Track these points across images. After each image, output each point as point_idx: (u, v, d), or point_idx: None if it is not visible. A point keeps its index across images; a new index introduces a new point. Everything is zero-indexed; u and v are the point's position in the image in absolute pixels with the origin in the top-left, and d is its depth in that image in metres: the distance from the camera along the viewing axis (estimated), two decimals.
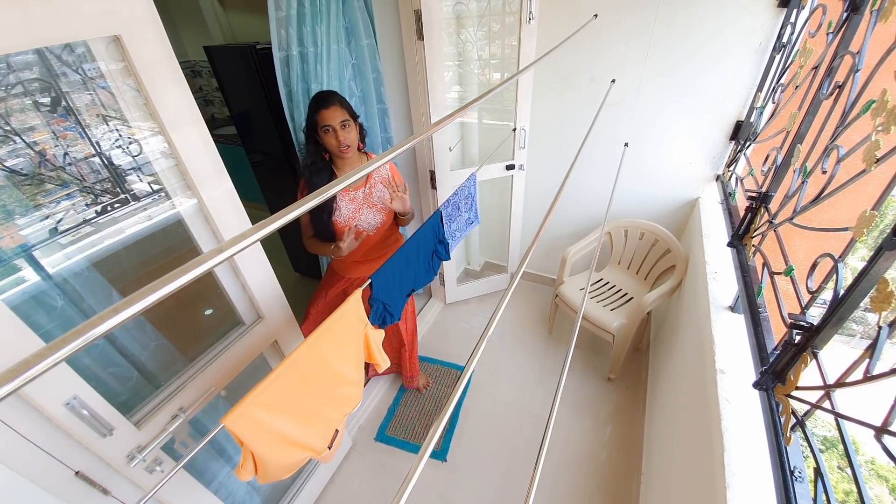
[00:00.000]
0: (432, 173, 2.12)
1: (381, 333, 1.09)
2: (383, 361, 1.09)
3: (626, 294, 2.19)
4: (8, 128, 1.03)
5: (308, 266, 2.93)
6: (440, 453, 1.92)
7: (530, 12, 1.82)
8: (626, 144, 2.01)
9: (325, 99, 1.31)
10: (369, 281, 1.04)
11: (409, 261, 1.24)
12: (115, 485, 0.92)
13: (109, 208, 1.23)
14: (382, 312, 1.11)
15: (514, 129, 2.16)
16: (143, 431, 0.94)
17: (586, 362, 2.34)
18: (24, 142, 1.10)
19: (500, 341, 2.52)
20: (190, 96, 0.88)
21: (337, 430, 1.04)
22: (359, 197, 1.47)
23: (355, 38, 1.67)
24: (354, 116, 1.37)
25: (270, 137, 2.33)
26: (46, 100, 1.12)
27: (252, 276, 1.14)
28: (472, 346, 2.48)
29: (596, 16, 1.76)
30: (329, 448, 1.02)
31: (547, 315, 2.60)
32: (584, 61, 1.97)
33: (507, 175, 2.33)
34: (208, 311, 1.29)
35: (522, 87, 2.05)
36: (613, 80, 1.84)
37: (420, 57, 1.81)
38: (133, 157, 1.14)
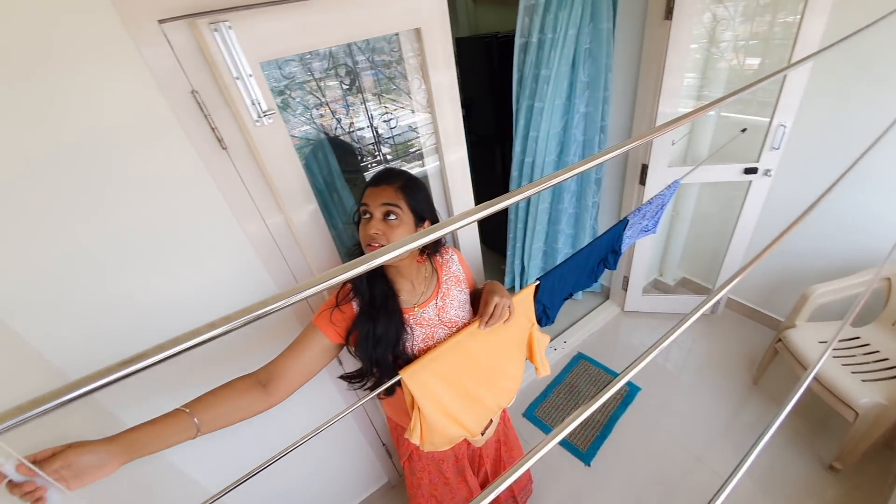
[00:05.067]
0: (644, 167, 1.95)
1: (546, 338, 1.08)
2: (543, 367, 1.07)
3: (895, 367, 1.57)
4: (323, 99, 1.47)
5: (494, 240, 3.16)
6: (586, 456, 1.86)
7: None
8: None
9: (380, 175, 0.89)
10: (537, 281, 1.02)
11: (577, 266, 1.20)
12: None
13: (370, 167, 1.63)
14: (540, 314, 1.12)
15: (770, 125, 1.76)
16: None
17: (801, 436, 1.81)
18: (331, 111, 1.56)
19: (681, 371, 2.19)
20: (455, 79, 1.09)
21: (491, 420, 1.09)
22: (430, 317, 0.97)
23: (595, 22, 1.65)
24: (417, 211, 0.88)
25: (486, 121, 2.57)
26: (347, 80, 1.54)
27: (465, 246, 1.35)
28: (643, 365, 2.24)
29: None
30: (482, 434, 1.07)
31: (756, 359, 2.11)
32: None
33: (743, 180, 1.93)
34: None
35: (795, 75, 1.63)
36: None
37: (662, 39, 1.66)
38: (389, 128, 1.48)
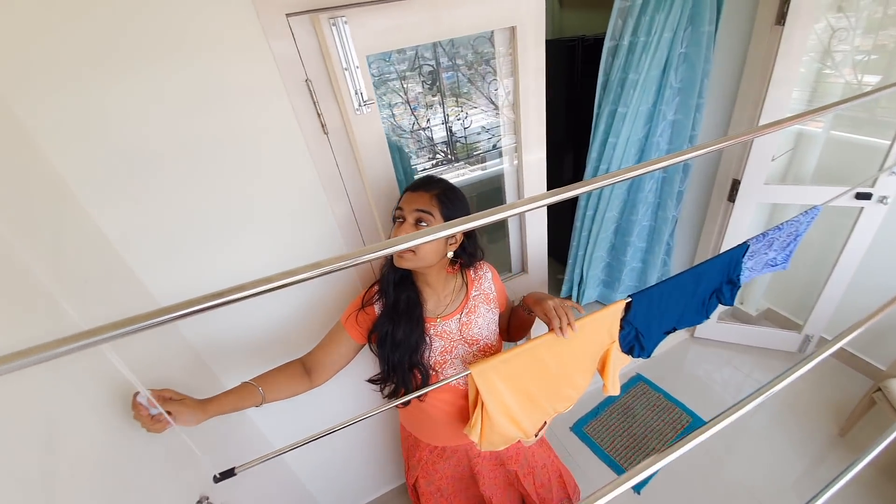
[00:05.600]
0: (735, 182, 1.80)
1: (625, 360, 1.00)
2: (613, 386, 1.00)
3: None
4: (404, 98, 1.54)
5: (557, 248, 3.09)
6: (637, 484, 1.77)
7: None
8: None
9: (420, 181, 0.90)
10: (629, 298, 0.90)
11: (682, 292, 1.04)
12: None
13: (440, 164, 1.67)
14: (632, 340, 1.02)
15: (892, 147, 1.55)
16: None
17: (884, 499, 1.57)
18: (410, 108, 1.62)
19: (756, 411, 1.99)
20: (543, 79, 1.09)
21: (546, 422, 1.07)
22: (451, 330, 0.97)
23: (694, 25, 1.56)
24: (451, 219, 0.83)
25: (559, 127, 2.52)
26: (429, 80, 1.59)
27: (532, 231, 1.34)
28: (708, 395, 2.08)
29: None
30: (535, 436, 1.04)
31: (847, 408, 1.86)
32: None
33: (852, 206, 1.72)
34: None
35: None
36: None
37: (770, 47, 1.53)
38: (463, 128, 1.50)
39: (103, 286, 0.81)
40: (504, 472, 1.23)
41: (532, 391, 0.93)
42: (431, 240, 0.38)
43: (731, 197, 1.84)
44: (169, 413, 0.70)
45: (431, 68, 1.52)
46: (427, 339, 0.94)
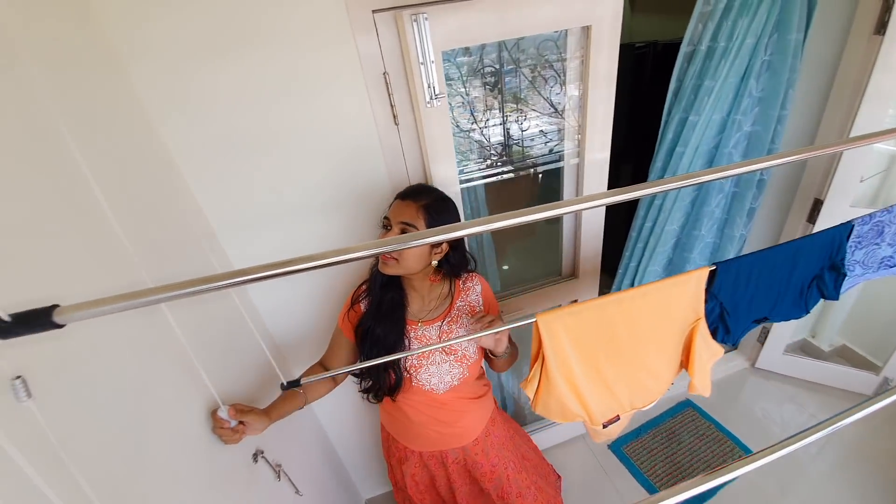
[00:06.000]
0: (818, 202, 1.66)
1: (716, 350, 0.88)
2: (702, 384, 0.88)
3: None
4: (466, 98, 1.56)
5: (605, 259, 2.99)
6: None
7: None
8: None
9: (410, 190, 0.96)
10: (713, 266, 0.80)
11: (775, 271, 0.89)
12: None
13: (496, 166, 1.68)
14: (716, 319, 0.90)
15: None
16: None
17: None
18: (470, 111, 1.64)
19: (817, 454, 1.81)
20: (614, 82, 1.07)
21: (618, 416, 0.96)
22: (431, 337, 0.99)
23: (780, 32, 1.47)
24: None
25: (619, 133, 2.44)
26: (491, 80, 1.60)
27: (587, 234, 1.32)
28: (764, 431, 1.90)
29: None
30: (603, 427, 0.95)
31: None
32: None
33: None
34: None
35: None
36: None
37: (867, 58, 1.41)
38: (521, 130, 1.50)
39: (194, 249, 0.90)
40: (479, 490, 1.19)
41: (602, 365, 0.85)
42: (419, 245, 0.41)
43: (812, 218, 1.70)
44: (242, 423, 0.79)
45: (494, 70, 1.55)
46: (406, 341, 0.97)
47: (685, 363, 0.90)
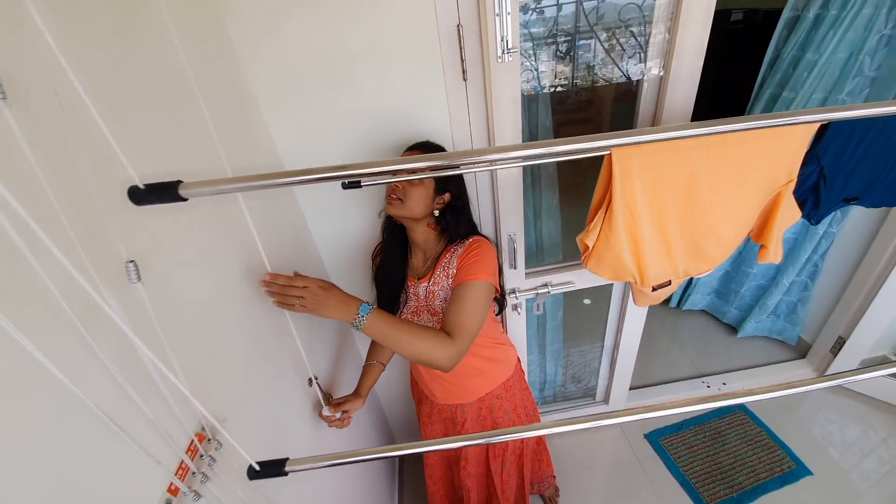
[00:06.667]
0: None
1: (794, 214, 0.77)
2: (775, 250, 0.78)
3: None
4: (533, 66, 1.49)
5: None
6: None
7: None
8: None
9: (416, 145, 0.99)
10: (825, 121, 0.67)
11: (890, 142, 0.73)
12: None
13: None
14: (810, 188, 0.76)
15: None
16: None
17: None
18: (537, 77, 1.58)
19: (881, 480, 1.65)
20: (702, 58, 1.02)
21: (669, 281, 0.89)
22: (420, 295, 1.02)
23: None
24: (440, 180, 0.95)
25: (699, 111, 2.26)
26: (563, 47, 1.53)
27: None
28: (821, 447, 1.74)
29: None
30: (653, 291, 0.90)
31: None
32: None
33: None
34: None
35: None
36: None
37: None
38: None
39: None
40: (485, 463, 1.24)
41: (669, 220, 0.77)
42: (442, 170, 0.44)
43: None
44: (345, 412, 1.01)
45: (568, 36, 1.47)
46: (404, 295, 1.04)
47: (759, 230, 0.80)
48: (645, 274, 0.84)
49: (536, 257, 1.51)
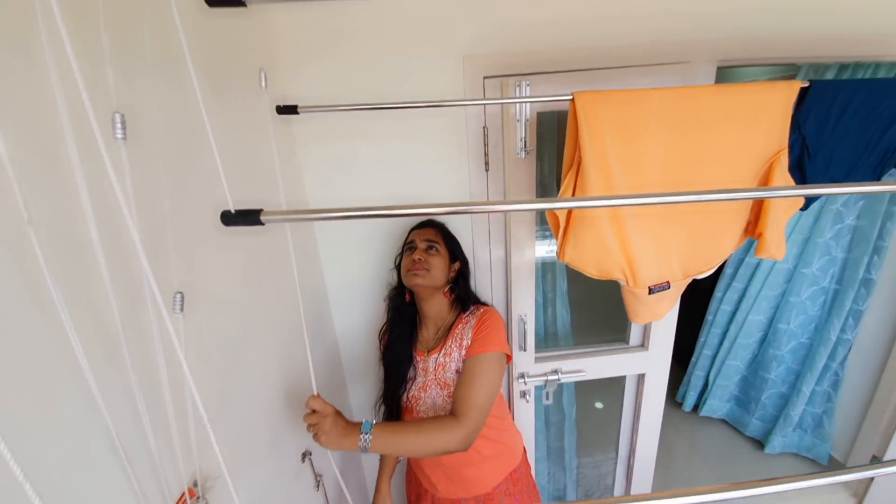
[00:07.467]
0: None
1: (796, 201, 0.73)
2: (777, 244, 0.72)
3: None
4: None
5: (679, 347, 2.76)
6: None
7: None
8: None
9: (423, 222, 1.08)
10: (806, 83, 0.66)
11: (872, 117, 0.72)
12: None
13: None
14: (794, 162, 0.73)
15: None
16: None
17: None
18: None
19: None
20: None
21: (668, 283, 0.79)
22: (429, 368, 0.99)
23: None
24: (451, 250, 1.03)
25: None
26: None
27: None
28: None
29: None
30: (649, 293, 0.81)
31: None
32: None
33: None
34: None
35: None
36: None
37: None
38: None
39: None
40: None
41: (648, 182, 0.68)
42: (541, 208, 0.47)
43: None
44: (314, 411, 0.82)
45: None
46: (413, 370, 1.00)
47: (755, 217, 0.73)
48: (634, 263, 0.75)
49: (545, 342, 1.49)
